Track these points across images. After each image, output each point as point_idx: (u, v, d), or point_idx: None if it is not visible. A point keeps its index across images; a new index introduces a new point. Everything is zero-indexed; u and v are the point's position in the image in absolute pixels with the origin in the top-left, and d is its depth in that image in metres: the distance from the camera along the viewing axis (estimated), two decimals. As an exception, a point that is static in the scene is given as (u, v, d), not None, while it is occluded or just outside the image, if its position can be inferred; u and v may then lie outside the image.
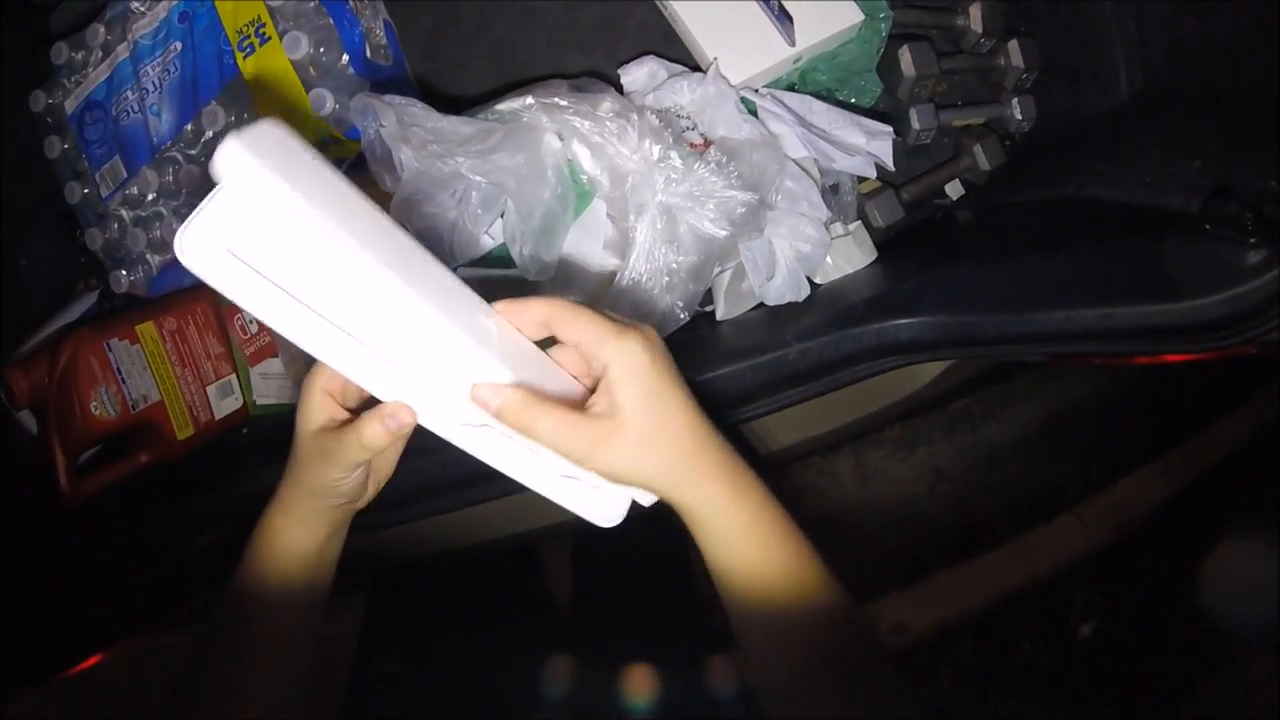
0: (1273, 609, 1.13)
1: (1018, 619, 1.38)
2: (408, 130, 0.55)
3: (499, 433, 0.38)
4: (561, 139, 0.54)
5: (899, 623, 1.35)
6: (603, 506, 0.42)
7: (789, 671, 0.39)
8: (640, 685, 0.61)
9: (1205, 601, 1.25)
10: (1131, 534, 1.38)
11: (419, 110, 0.55)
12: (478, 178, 0.53)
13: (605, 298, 0.56)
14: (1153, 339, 0.54)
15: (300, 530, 0.44)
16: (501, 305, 0.38)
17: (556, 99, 0.54)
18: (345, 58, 0.68)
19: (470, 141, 0.54)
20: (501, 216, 0.56)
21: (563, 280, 0.58)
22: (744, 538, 0.38)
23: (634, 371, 0.36)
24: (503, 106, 0.56)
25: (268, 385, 0.81)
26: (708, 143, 0.57)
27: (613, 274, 0.55)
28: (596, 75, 0.66)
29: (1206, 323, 0.51)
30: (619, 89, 0.64)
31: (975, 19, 0.74)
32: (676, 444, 0.37)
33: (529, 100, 0.55)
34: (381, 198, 0.64)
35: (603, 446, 0.36)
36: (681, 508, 0.39)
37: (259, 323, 0.79)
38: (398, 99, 0.56)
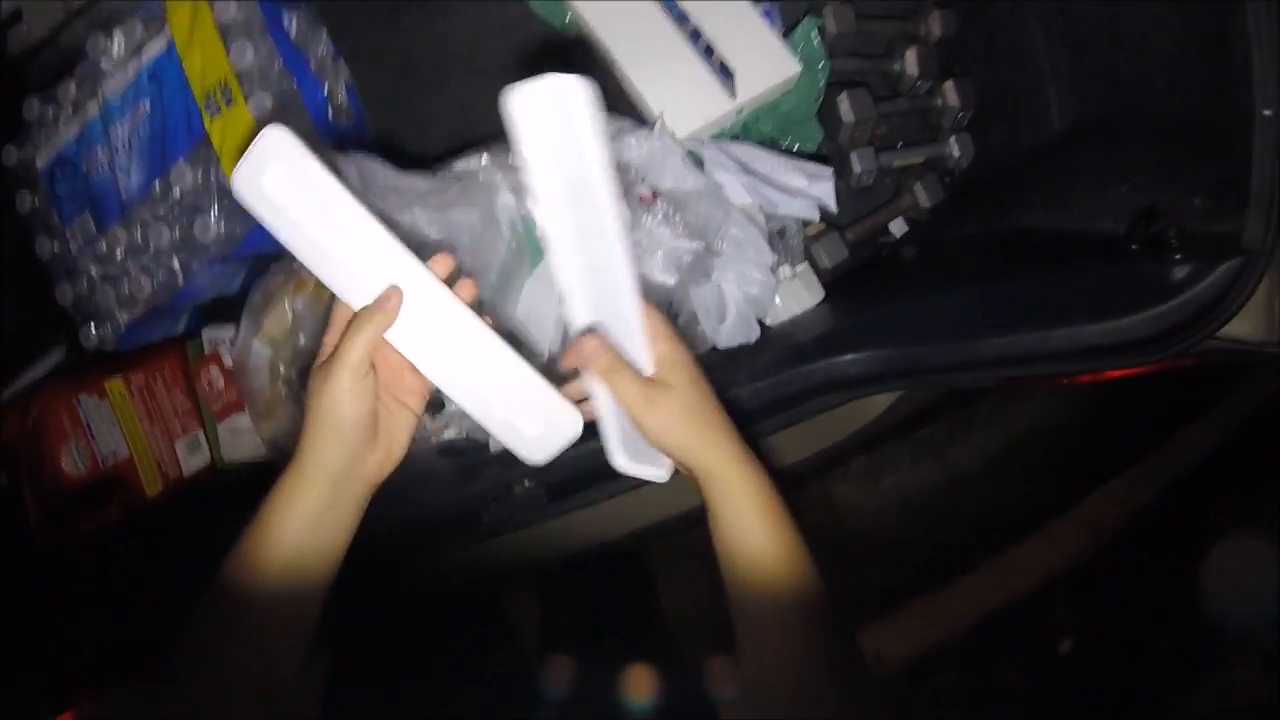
0: (1273, 608, 1.13)
1: (997, 641, 1.38)
2: (367, 185, 0.57)
3: (467, 362, 0.45)
4: (515, 195, 0.57)
5: (878, 653, 1.34)
6: (533, 445, 0.47)
7: (783, 655, 0.45)
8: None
9: (1205, 601, 1.24)
10: (1105, 547, 1.39)
11: (377, 167, 0.58)
12: (433, 230, 0.55)
13: (562, 347, 0.58)
14: (1090, 358, 0.56)
15: (316, 507, 0.44)
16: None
17: (509, 157, 0.57)
18: (308, 119, 0.71)
19: (427, 195, 0.56)
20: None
21: (520, 331, 0.60)
22: (753, 507, 0.46)
23: (683, 362, 0.46)
24: (459, 166, 0.58)
25: (236, 441, 0.82)
26: (655, 195, 0.59)
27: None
28: (550, 132, 0.69)
29: (1140, 339, 0.54)
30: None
31: (911, 63, 0.78)
32: (709, 417, 0.46)
33: (483, 160, 0.57)
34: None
35: (658, 406, 0.45)
36: (705, 471, 0.46)
37: (225, 378, 0.80)
38: (357, 156, 0.59)
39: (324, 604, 0.45)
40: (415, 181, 0.57)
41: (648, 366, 0.47)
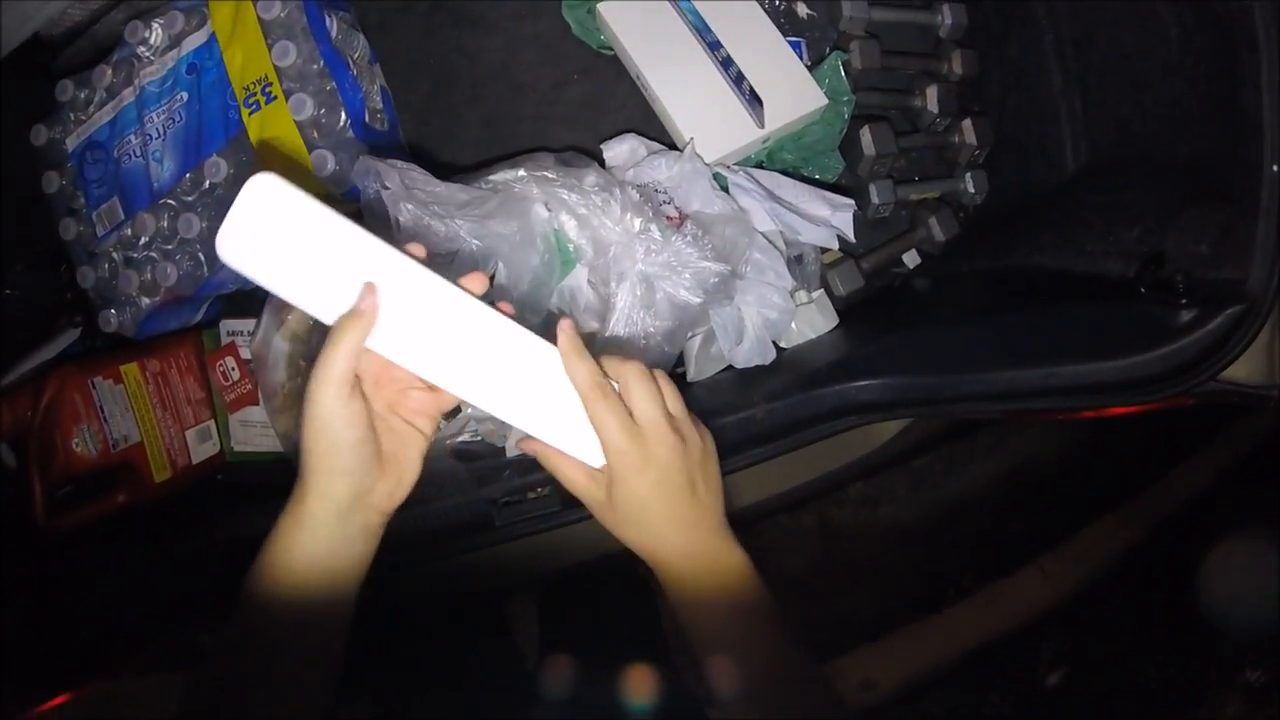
0: (1273, 609, 1.14)
1: (985, 671, 1.39)
2: (410, 192, 0.58)
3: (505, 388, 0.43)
4: (549, 209, 0.59)
5: (867, 679, 1.35)
6: (593, 448, 0.44)
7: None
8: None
9: (1205, 604, 1.23)
10: (1096, 582, 1.40)
11: (419, 175, 0.59)
12: (475, 241, 0.56)
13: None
14: (1094, 395, 0.58)
15: (323, 545, 0.41)
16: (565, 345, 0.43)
17: (545, 172, 0.58)
18: (345, 121, 0.72)
19: (467, 206, 0.58)
20: (491, 279, 0.59)
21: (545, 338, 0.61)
22: (699, 600, 0.44)
23: (634, 452, 0.42)
24: (495, 177, 0.60)
25: (246, 433, 0.82)
26: (683, 217, 0.61)
27: (591, 336, 0.59)
28: (580, 149, 0.71)
29: (1143, 378, 0.56)
30: (601, 163, 0.69)
31: (931, 100, 0.81)
32: (656, 512, 0.44)
33: (520, 172, 0.59)
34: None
35: (606, 505, 0.44)
36: (652, 565, 0.45)
37: (240, 370, 0.80)
38: (400, 163, 0.60)
39: (345, 634, 0.43)
40: (455, 192, 0.59)
41: (598, 458, 0.44)
